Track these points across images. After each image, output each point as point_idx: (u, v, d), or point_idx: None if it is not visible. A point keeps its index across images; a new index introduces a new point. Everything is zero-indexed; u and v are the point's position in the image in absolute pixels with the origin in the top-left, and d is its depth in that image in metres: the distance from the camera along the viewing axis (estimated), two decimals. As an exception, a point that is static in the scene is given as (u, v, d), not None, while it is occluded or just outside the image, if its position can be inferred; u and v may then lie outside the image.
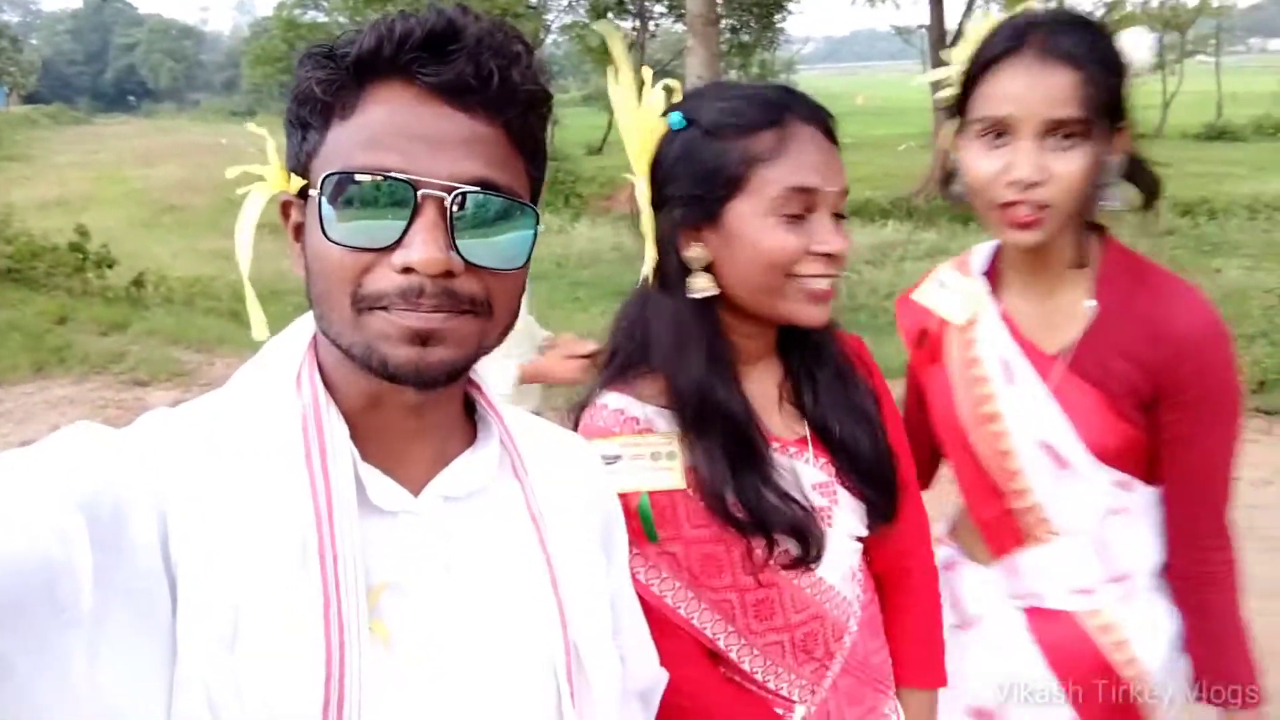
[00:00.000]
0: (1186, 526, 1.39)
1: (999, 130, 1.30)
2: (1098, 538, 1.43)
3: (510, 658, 0.84)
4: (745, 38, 25.90)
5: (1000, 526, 1.49)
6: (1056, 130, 1.27)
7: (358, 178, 0.74)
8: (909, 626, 1.40)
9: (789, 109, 1.19)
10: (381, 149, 0.75)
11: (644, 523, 1.22)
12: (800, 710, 1.32)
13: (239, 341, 7.77)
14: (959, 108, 1.40)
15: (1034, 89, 1.27)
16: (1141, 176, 1.38)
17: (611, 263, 11.94)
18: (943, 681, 1.40)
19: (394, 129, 0.75)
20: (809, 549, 1.24)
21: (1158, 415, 1.36)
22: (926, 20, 17.28)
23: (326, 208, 0.75)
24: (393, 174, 0.74)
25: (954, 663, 1.45)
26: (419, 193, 0.74)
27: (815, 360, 1.33)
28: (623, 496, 1.17)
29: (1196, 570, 1.39)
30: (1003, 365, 1.44)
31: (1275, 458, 5.22)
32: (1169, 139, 23.26)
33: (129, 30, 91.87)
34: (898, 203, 14.83)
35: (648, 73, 1.24)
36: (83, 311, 8.49)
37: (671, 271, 1.23)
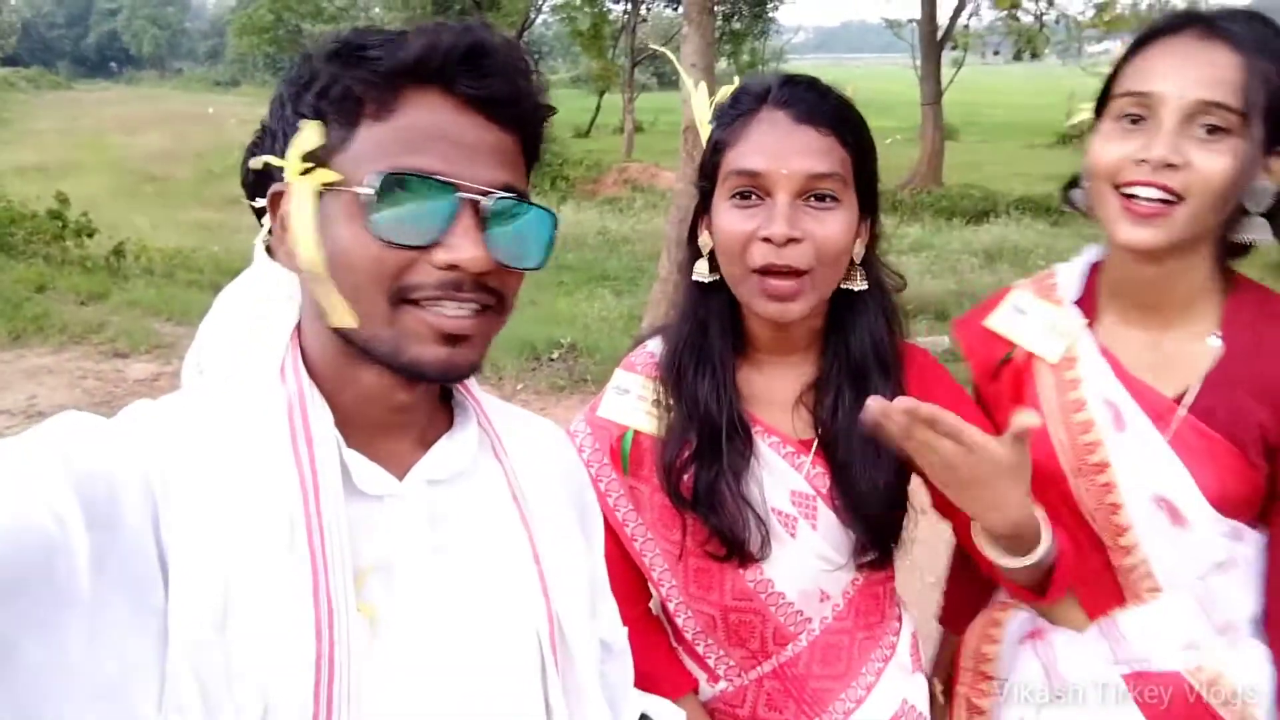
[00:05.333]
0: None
1: (1138, 112, 1.17)
2: (1203, 591, 1.28)
3: (496, 631, 0.87)
4: (737, 25, 25.82)
5: (1098, 584, 1.33)
6: (1204, 115, 1.12)
7: (407, 178, 0.77)
8: None
9: (767, 96, 1.21)
10: (423, 153, 0.79)
11: (622, 455, 1.34)
12: (721, 685, 1.38)
13: (220, 315, 7.69)
14: (1097, 106, 1.26)
15: (1186, 65, 1.13)
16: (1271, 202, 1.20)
17: (596, 247, 11.91)
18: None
19: (435, 135, 0.80)
20: (734, 551, 1.28)
21: (1278, 460, 1.22)
22: (917, 14, 17.28)
23: (374, 204, 0.77)
24: (438, 176, 0.78)
25: None
26: (459, 196, 0.79)
27: (854, 378, 1.28)
28: (615, 425, 1.34)
29: None
30: (1110, 410, 1.28)
31: None
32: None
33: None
34: (883, 196, 14.86)
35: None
36: (61, 280, 8.38)
37: (688, 255, 1.32)
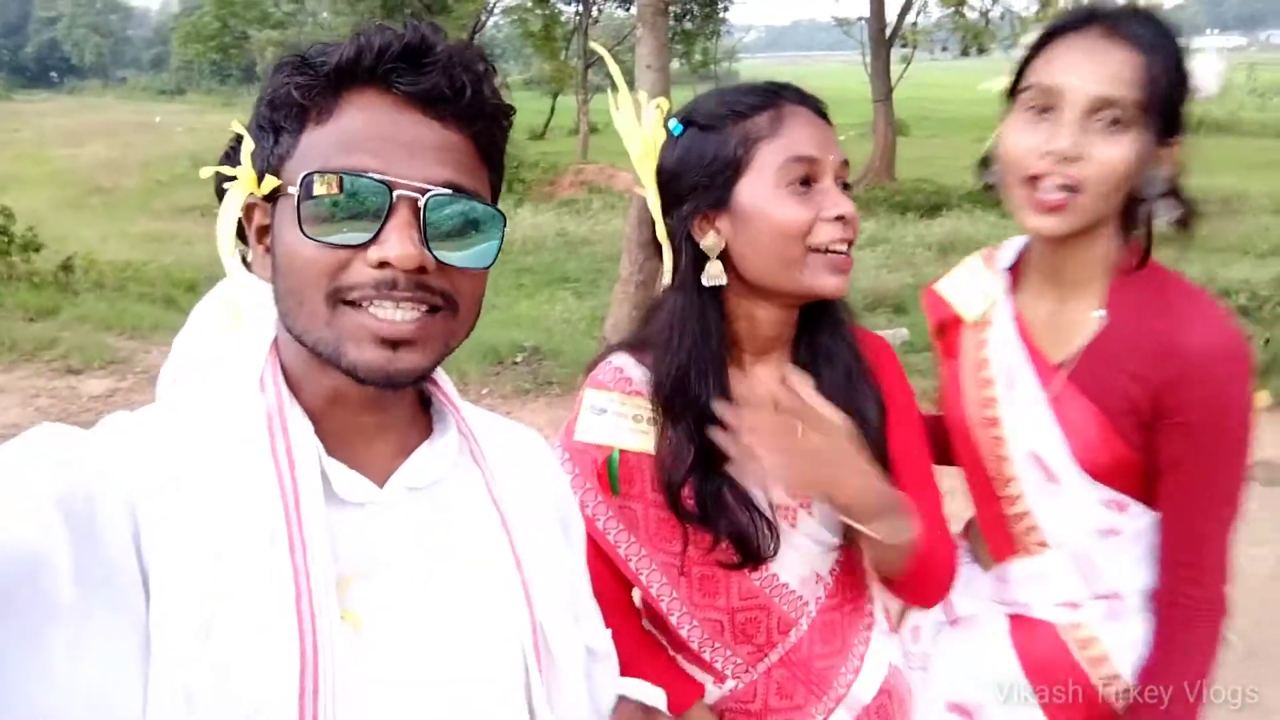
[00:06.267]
0: (1168, 555, 1.33)
1: (1046, 103, 1.25)
2: (1086, 555, 1.38)
3: (479, 639, 0.88)
4: (688, 26, 25.92)
5: (997, 530, 1.47)
6: (1104, 110, 1.22)
7: (336, 178, 0.77)
8: None
9: (780, 94, 1.25)
10: (359, 152, 0.79)
11: (610, 476, 1.31)
12: (730, 684, 1.38)
13: (175, 328, 7.40)
14: (1008, 93, 1.35)
15: (1089, 62, 1.22)
16: (1180, 203, 1.31)
17: (554, 249, 11.90)
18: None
19: (371, 134, 0.79)
20: (749, 556, 1.29)
21: (1153, 435, 1.30)
22: (866, 12, 17.49)
23: (304, 205, 0.77)
24: (370, 175, 0.78)
25: (938, 657, 1.48)
26: (394, 193, 0.78)
27: (824, 358, 1.32)
28: (597, 447, 1.30)
29: (1169, 600, 1.33)
30: (1007, 369, 1.40)
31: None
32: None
33: (51, 2, 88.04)
34: (838, 192, 15.02)
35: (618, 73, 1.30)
36: (8, 297, 8.17)
37: (684, 266, 1.28)
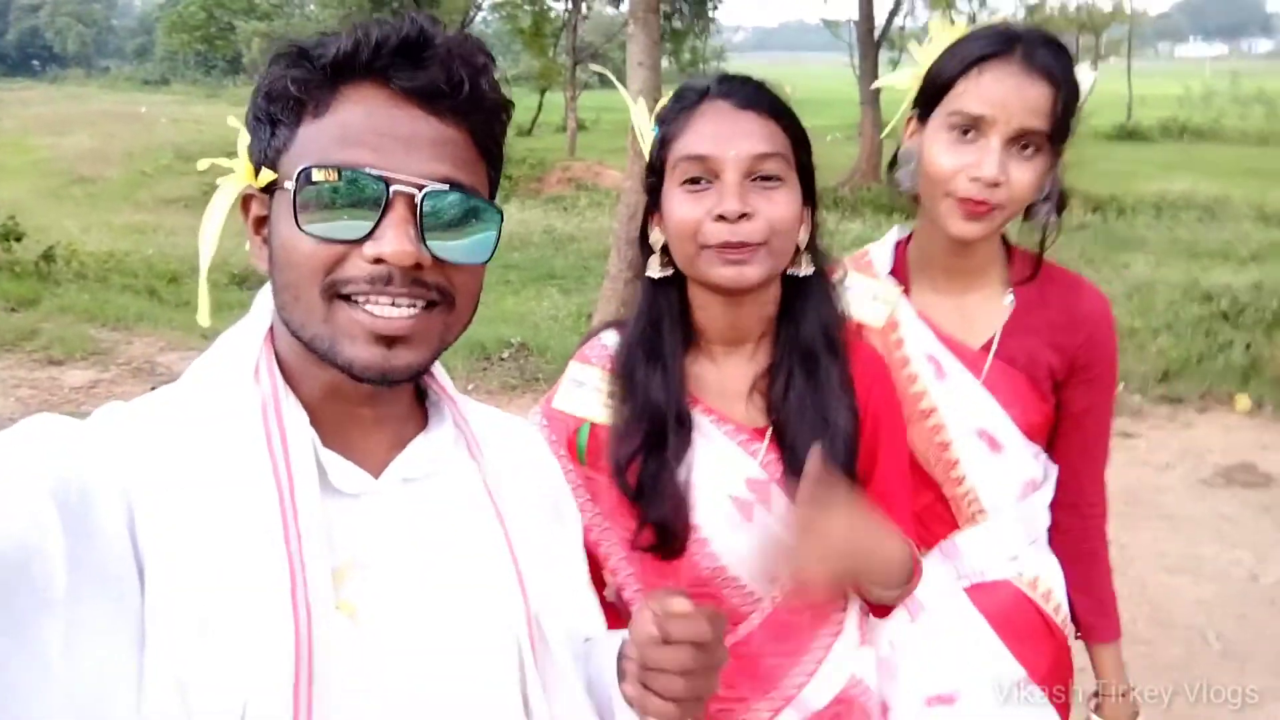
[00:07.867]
0: (1079, 491, 1.57)
1: (970, 127, 1.37)
2: (1022, 509, 1.55)
3: (474, 629, 0.88)
4: (677, 25, 25.94)
5: (930, 516, 1.54)
6: (1023, 138, 1.36)
7: (333, 172, 0.77)
8: None
9: (707, 92, 1.27)
10: (355, 146, 0.78)
11: (578, 445, 1.36)
12: None
13: (158, 320, 7.53)
14: (922, 100, 1.47)
15: (1015, 96, 1.35)
16: (1056, 192, 1.49)
17: (542, 245, 11.89)
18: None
19: (368, 128, 0.79)
20: (662, 544, 1.32)
21: (1064, 391, 1.52)
22: (855, 14, 17.56)
23: (300, 200, 0.77)
24: (367, 170, 0.77)
25: (908, 655, 1.50)
26: (391, 189, 0.78)
27: (804, 361, 1.34)
28: (573, 417, 1.35)
29: (1085, 526, 1.58)
30: (931, 362, 1.51)
31: (1176, 443, 5.53)
32: (1082, 138, 24.02)
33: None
34: (824, 193, 15.01)
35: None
36: (-12, 287, 8.13)
37: (640, 254, 1.35)
